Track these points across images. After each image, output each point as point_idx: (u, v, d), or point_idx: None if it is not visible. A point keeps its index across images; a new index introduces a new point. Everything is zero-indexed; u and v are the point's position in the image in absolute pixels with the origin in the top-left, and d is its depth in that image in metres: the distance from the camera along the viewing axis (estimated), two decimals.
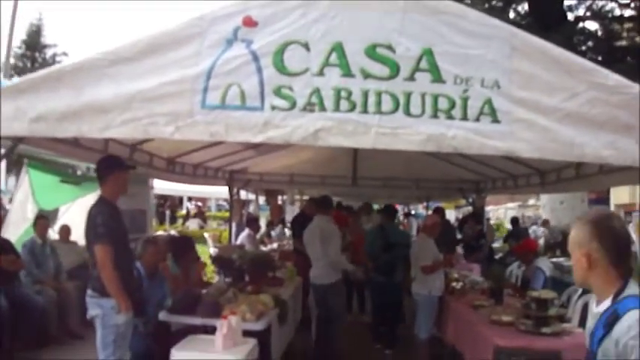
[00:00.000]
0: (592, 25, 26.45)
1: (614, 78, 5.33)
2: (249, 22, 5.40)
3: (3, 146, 6.68)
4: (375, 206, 20.58)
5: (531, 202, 58.09)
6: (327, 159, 14.94)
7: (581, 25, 25.45)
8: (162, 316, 8.16)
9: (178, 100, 5.40)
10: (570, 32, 21.73)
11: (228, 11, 5.46)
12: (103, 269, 6.59)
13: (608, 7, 25.73)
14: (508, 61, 5.31)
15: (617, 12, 25.78)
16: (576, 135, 5.28)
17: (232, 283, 9.63)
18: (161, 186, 30.15)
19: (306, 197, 21.49)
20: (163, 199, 43.29)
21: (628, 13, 25.52)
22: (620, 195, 56.20)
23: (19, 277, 11.41)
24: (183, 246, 9.94)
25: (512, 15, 24.08)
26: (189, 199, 52.12)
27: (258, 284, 9.70)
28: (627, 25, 25.72)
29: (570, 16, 25.08)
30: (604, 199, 58.39)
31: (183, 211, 47.64)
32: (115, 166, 7.10)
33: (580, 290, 10.61)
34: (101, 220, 6.65)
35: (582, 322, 9.33)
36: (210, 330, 7.17)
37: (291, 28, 5.39)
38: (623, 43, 25.48)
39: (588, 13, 25.77)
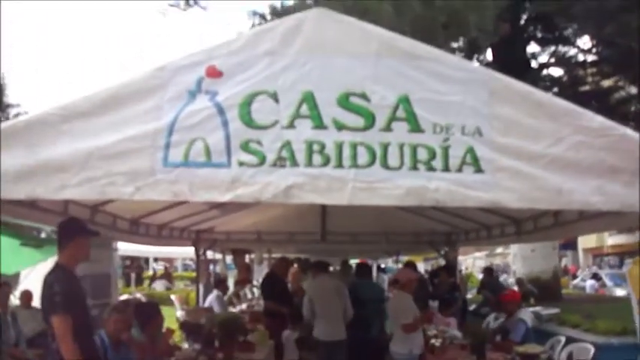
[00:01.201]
0: (556, 72, 26.75)
1: (598, 120, 5.15)
2: (213, 73, 5.13)
3: None
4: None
5: (499, 250, 58.19)
6: (295, 215, 14.74)
7: (545, 71, 25.71)
8: None
9: (138, 157, 5.06)
10: (535, 79, 21.90)
11: (191, 60, 5.20)
12: (61, 342, 6.11)
13: (571, 53, 26.09)
14: (488, 107, 5.08)
15: (581, 57, 26.13)
16: (563, 181, 5.04)
17: (202, 351, 9.17)
18: (126, 247, 29.82)
19: (274, 255, 21.10)
20: (129, 260, 42.80)
21: (590, 58, 25.89)
22: (587, 239, 56.63)
23: None
24: (149, 312, 9.46)
25: (475, 64, 24.24)
26: (156, 259, 51.67)
27: (228, 351, 9.25)
28: (590, 70, 26.08)
29: (534, 63, 25.36)
30: (572, 244, 58.91)
31: (150, 272, 47.02)
32: (77, 232, 6.61)
33: (563, 340, 10.35)
34: (59, 288, 6.17)
35: None
36: None
37: (259, 77, 5.13)
38: (588, 87, 25.76)
39: (552, 60, 26.09)
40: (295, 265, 18.91)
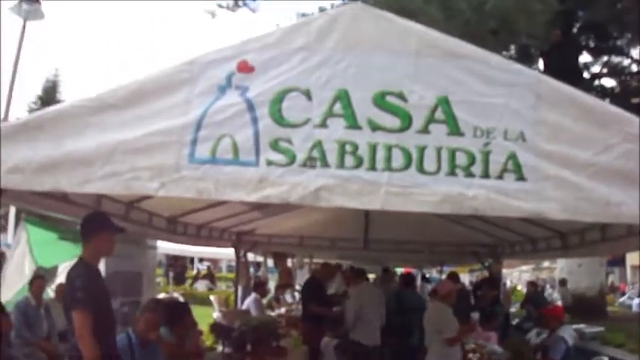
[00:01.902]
0: (608, 82, 26.26)
1: None
2: (245, 68, 4.95)
3: None
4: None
5: (546, 264, 57.56)
6: (337, 221, 14.61)
7: (597, 82, 25.26)
8: None
9: (164, 152, 4.91)
10: (587, 89, 21.47)
11: (222, 55, 5.02)
12: (80, 338, 5.95)
13: (624, 64, 25.60)
14: (533, 111, 4.81)
15: (634, 68, 25.64)
16: (611, 192, 4.74)
17: (231, 354, 8.99)
18: (170, 246, 29.89)
19: (316, 260, 20.94)
20: (173, 259, 43.05)
21: None
22: (635, 255, 55.81)
23: (7, 339, 10.73)
24: (178, 312, 9.32)
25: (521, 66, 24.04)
26: (201, 259, 51.97)
27: (259, 355, 9.06)
28: None
29: (586, 74, 24.92)
30: (619, 260, 58.16)
31: (194, 272, 47.24)
32: (101, 227, 6.43)
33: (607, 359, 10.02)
34: (80, 283, 6.01)
35: None
36: None
37: (291, 73, 4.93)
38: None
39: (604, 70, 25.64)
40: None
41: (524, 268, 58.05)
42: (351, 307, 11.80)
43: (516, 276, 59.04)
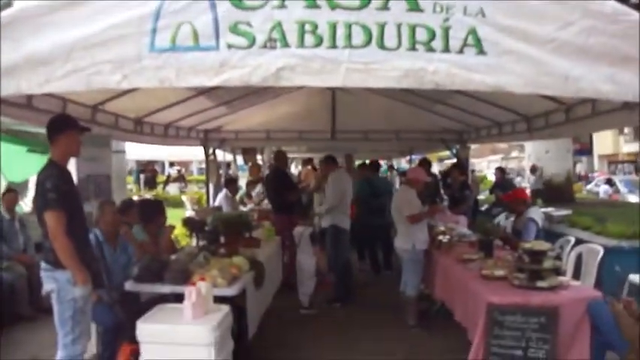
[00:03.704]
0: None
1: (610, 5, 4.79)
2: None
3: None
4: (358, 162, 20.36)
5: (514, 154, 58.12)
6: (304, 113, 14.79)
7: None
8: (129, 285, 7.57)
9: (124, 44, 4.81)
10: None
11: None
12: (55, 238, 6.02)
13: None
14: None
15: None
16: (571, 67, 4.76)
17: (204, 247, 9.07)
18: (141, 152, 29.88)
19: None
20: (145, 165, 43.13)
21: None
22: (602, 146, 56.48)
23: None
24: (152, 210, 9.37)
25: None
26: (172, 163, 52.09)
27: (232, 246, 9.16)
28: None
29: None
30: (587, 150, 58.84)
31: (165, 176, 47.39)
32: (66, 126, 6.45)
33: (573, 240, 10.20)
34: (50, 184, 6.04)
35: (576, 274, 8.92)
36: (182, 298, 6.59)
37: None
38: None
39: None
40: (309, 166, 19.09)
41: (492, 157, 58.71)
42: (333, 192, 12.19)
43: (485, 165, 59.70)
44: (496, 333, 6.83)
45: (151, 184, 40.20)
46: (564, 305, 6.85)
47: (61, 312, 6.16)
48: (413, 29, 4.67)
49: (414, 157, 25.87)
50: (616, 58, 4.76)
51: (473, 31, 4.69)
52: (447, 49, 4.68)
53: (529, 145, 30.23)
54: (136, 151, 28.56)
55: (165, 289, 7.37)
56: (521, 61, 4.73)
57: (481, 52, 4.70)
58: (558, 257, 8.67)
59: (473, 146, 17.19)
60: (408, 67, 4.67)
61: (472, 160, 19.89)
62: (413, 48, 4.67)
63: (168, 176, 46.83)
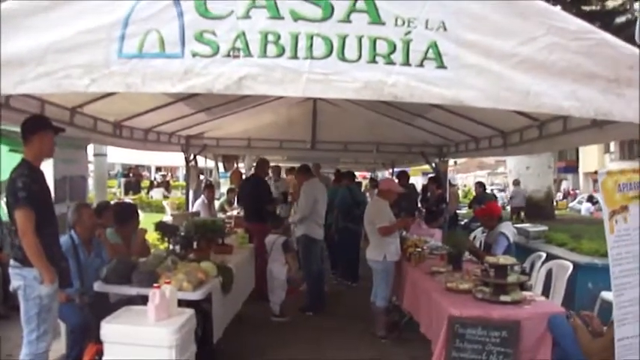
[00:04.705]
0: None
1: (575, 22, 4.84)
2: None
3: None
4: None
5: (500, 169, 58.34)
6: (285, 123, 14.93)
7: None
8: (98, 286, 7.68)
9: (94, 50, 4.86)
10: None
11: None
12: (23, 236, 6.11)
13: None
14: (455, 1, 4.78)
15: None
16: (533, 83, 4.79)
17: (173, 251, 9.13)
18: (126, 156, 29.85)
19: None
20: (129, 169, 43.13)
21: None
22: (588, 164, 56.68)
23: None
24: (126, 213, 9.43)
25: None
26: (159, 169, 52.14)
27: (203, 251, 9.25)
28: None
29: None
30: (573, 168, 59.03)
31: (150, 181, 47.41)
32: (39, 126, 6.53)
33: (544, 256, 10.28)
34: (22, 183, 6.13)
35: (546, 290, 9.00)
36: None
37: None
38: (593, 7, 25.13)
39: None
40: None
41: (479, 172, 58.93)
42: (305, 202, 12.32)
43: (471, 180, 59.98)
44: (457, 345, 6.90)
45: (134, 188, 40.17)
46: (526, 320, 6.92)
47: (27, 309, 6.23)
48: (374, 42, 4.72)
49: (396, 169, 26.03)
50: (579, 74, 4.80)
51: (433, 45, 4.74)
52: (407, 62, 4.73)
53: (510, 161, 30.42)
54: (121, 155, 28.61)
55: (132, 291, 7.45)
56: (482, 75, 4.77)
57: (441, 65, 4.74)
58: (524, 272, 8.75)
59: (459, 161, 17.43)
60: (368, 79, 4.72)
61: (459, 175, 20.06)
62: (373, 60, 4.72)
63: (152, 181, 46.83)
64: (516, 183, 28.34)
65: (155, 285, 6.57)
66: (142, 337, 6.12)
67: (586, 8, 24.68)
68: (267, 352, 9.43)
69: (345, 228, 15.09)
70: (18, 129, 6.69)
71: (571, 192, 57.47)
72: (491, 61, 4.78)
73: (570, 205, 45.76)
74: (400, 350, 9.66)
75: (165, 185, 43.95)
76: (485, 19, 4.78)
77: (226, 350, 8.86)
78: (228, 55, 4.76)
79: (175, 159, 28.07)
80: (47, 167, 7.31)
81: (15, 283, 6.30)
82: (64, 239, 7.66)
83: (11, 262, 6.36)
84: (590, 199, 42.22)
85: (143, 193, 39.98)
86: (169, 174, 54.25)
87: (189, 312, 6.68)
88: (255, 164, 15.83)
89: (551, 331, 6.90)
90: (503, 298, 7.32)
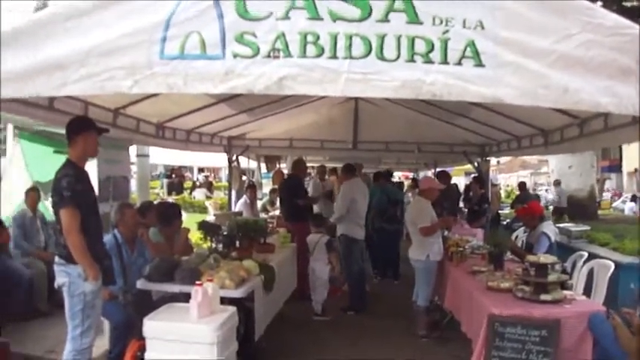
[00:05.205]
0: None
1: (612, 18, 4.82)
2: None
3: None
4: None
5: (544, 169, 57.82)
6: (326, 122, 14.92)
7: None
8: (140, 284, 7.81)
9: (136, 52, 4.97)
10: None
11: None
12: (68, 235, 6.22)
13: None
14: (491, 0, 4.79)
15: None
16: (570, 80, 4.78)
17: (215, 250, 9.22)
18: (169, 157, 30.11)
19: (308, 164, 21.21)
20: (172, 170, 43.44)
21: None
22: (631, 162, 55.90)
23: (7, 250, 11.20)
24: (170, 213, 9.55)
25: None
26: (201, 170, 52.41)
27: (246, 250, 9.33)
28: None
29: None
30: (617, 167, 58.25)
31: (193, 181, 47.69)
32: (84, 127, 6.64)
33: (586, 255, 10.21)
34: (66, 183, 6.24)
35: (587, 290, 8.94)
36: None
37: None
38: (634, 3, 24.77)
39: None
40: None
41: (522, 172, 58.46)
42: (341, 202, 12.32)
43: (514, 180, 59.52)
44: (497, 344, 6.89)
45: (177, 189, 40.44)
46: (566, 319, 6.89)
47: (72, 305, 6.33)
48: (412, 41, 4.76)
49: (438, 169, 25.95)
50: (615, 70, 4.77)
51: (471, 44, 4.76)
52: (445, 60, 4.76)
53: (553, 160, 30.10)
54: (164, 157, 28.84)
55: (175, 288, 7.56)
56: (519, 73, 4.78)
57: (479, 64, 4.75)
58: (565, 271, 8.70)
59: (502, 160, 17.34)
60: (406, 78, 4.76)
61: (502, 175, 19.98)
62: (411, 59, 4.76)
63: (195, 182, 47.12)
64: (557, 183, 28.06)
65: (198, 282, 6.63)
66: (184, 333, 6.19)
67: (627, 4, 24.27)
68: (308, 351, 9.47)
69: (380, 228, 15.21)
70: (62, 130, 6.81)
71: (613, 191, 56.63)
72: (529, 58, 4.78)
73: (614, 204, 45.05)
74: (441, 350, 9.63)
75: (208, 186, 44.15)
76: (522, 16, 4.79)
77: (268, 348, 8.92)
78: (269, 56, 4.82)
79: (217, 160, 28.27)
80: (91, 167, 7.43)
81: (60, 279, 6.40)
82: (107, 238, 7.80)
83: (56, 259, 6.47)
84: (634, 198, 41.55)
85: (186, 193, 40.22)
86: (212, 175, 54.51)
87: (231, 309, 6.75)
88: (292, 164, 15.88)
89: (591, 330, 6.86)
90: (543, 297, 7.29)
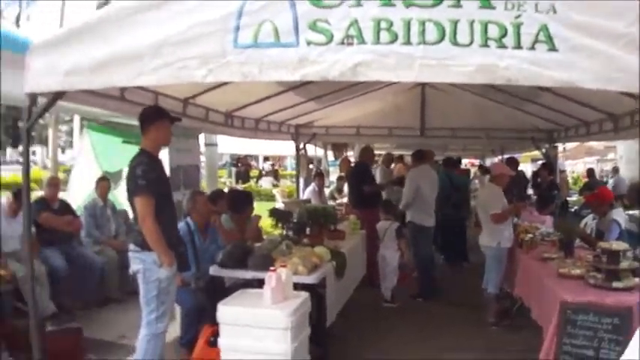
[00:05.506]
0: None
1: None
2: None
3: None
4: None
5: (610, 155, 56.75)
6: (394, 110, 14.88)
7: None
8: (213, 270, 7.92)
9: (209, 41, 5.12)
10: None
11: None
12: (143, 222, 6.34)
13: None
14: None
15: None
16: None
17: (287, 236, 9.31)
18: (235, 146, 30.37)
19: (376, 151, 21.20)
20: (238, 159, 43.74)
21: None
22: None
23: (79, 238, 11.50)
24: (242, 201, 9.69)
25: None
26: (266, 158, 52.68)
27: (317, 237, 9.39)
28: None
29: None
30: None
31: (259, 170, 47.99)
32: (157, 117, 6.75)
33: None
34: (141, 171, 6.36)
35: None
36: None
37: None
38: None
39: None
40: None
41: (588, 159, 57.41)
42: (407, 189, 12.37)
43: (580, 167, 58.53)
44: (569, 331, 6.79)
45: (243, 177, 40.73)
46: (639, 306, 6.77)
47: (146, 291, 6.46)
48: (485, 26, 4.76)
49: (505, 156, 25.69)
50: None
51: (544, 28, 4.74)
52: (518, 45, 4.75)
53: (621, 147, 29.50)
54: (230, 146, 29.08)
55: (248, 274, 7.65)
56: (592, 57, 4.74)
57: (552, 48, 4.74)
58: (636, 258, 8.59)
59: (568, 147, 17.05)
60: (480, 63, 4.77)
61: (568, 162, 19.72)
62: (485, 44, 4.76)
63: (261, 170, 47.43)
64: (616, 170, 27.48)
65: (271, 268, 6.68)
66: (258, 319, 6.25)
67: None
68: (377, 337, 9.51)
69: (444, 214, 14.67)
70: (129, 121, 6.93)
71: None
72: (602, 42, 4.74)
73: None
74: (511, 337, 9.57)
75: (274, 174, 44.46)
76: (594, 0, 4.76)
77: (338, 334, 8.99)
78: (342, 43, 4.88)
79: (283, 148, 28.41)
80: (164, 156, 7.56)
81: (134, 266, 6.53)
82: (180, 225, 7.93)
83: (131, 246, 6.60)
84: None
85: (252, 182, 40.48)
86: (277, 163, 54.77)
87: (304, 295, 6.80)
88: (360, 152, 15.87)
89: None
90: (615, 284, 7.16)
